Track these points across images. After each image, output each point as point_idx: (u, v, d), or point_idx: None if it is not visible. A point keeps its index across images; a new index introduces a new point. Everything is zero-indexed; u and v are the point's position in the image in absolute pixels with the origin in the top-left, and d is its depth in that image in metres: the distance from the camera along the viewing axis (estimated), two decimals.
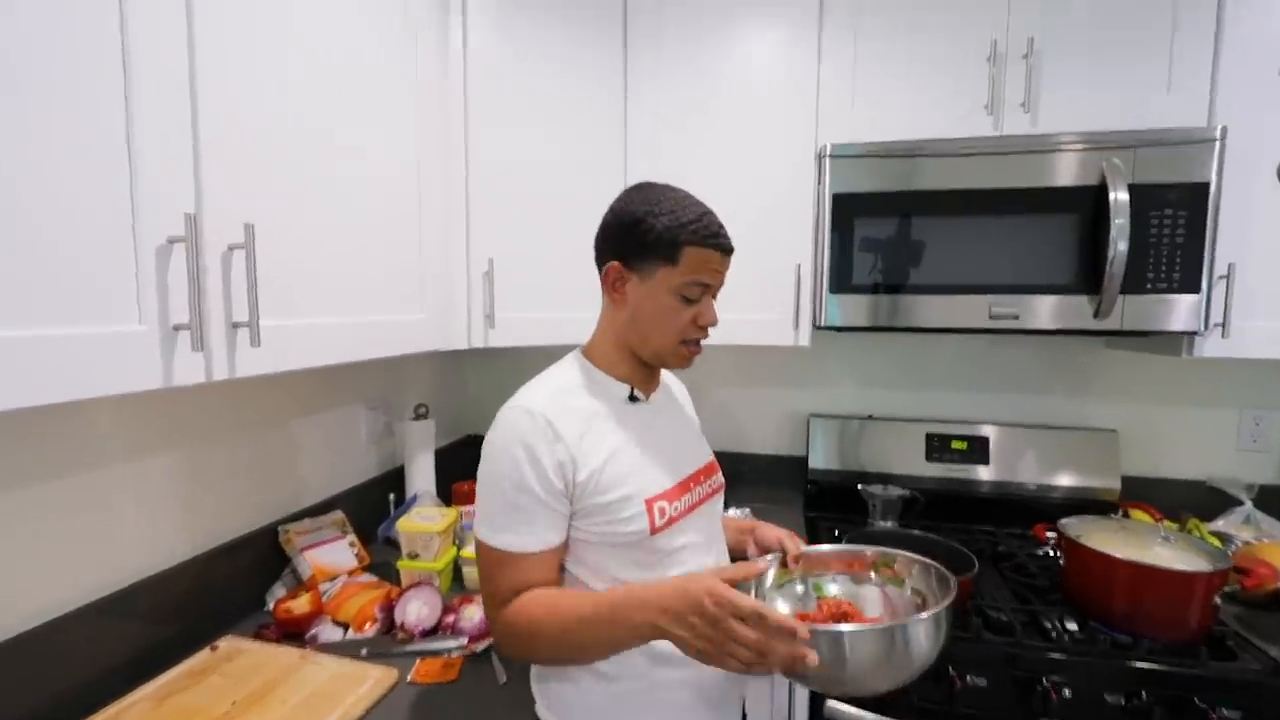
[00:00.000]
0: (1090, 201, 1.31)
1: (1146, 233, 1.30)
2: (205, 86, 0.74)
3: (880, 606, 0.91)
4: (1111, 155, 1.30)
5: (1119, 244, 1.25)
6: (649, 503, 0.83)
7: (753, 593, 0.88)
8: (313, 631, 1.14)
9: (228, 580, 1.18)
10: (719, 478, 1.01)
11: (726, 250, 0.86)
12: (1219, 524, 1.54)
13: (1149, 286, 1.31)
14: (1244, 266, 1.31)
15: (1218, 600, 1.09)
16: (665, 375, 1.04)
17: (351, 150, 1.02)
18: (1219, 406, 1.68)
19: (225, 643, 1.08)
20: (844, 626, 0.73)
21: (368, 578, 1.32)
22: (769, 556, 0.95)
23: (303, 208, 0.92)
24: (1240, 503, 1.57)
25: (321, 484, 1.45)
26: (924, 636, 0.74)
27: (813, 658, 0.65)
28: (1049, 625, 1.16)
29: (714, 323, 0.88)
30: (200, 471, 1.16)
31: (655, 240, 0.82)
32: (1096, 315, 1.32)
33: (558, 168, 1.50)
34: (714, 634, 0.66)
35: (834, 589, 0.95)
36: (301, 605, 1.14)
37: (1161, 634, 1.11)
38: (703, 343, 0.91)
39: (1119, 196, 1.26)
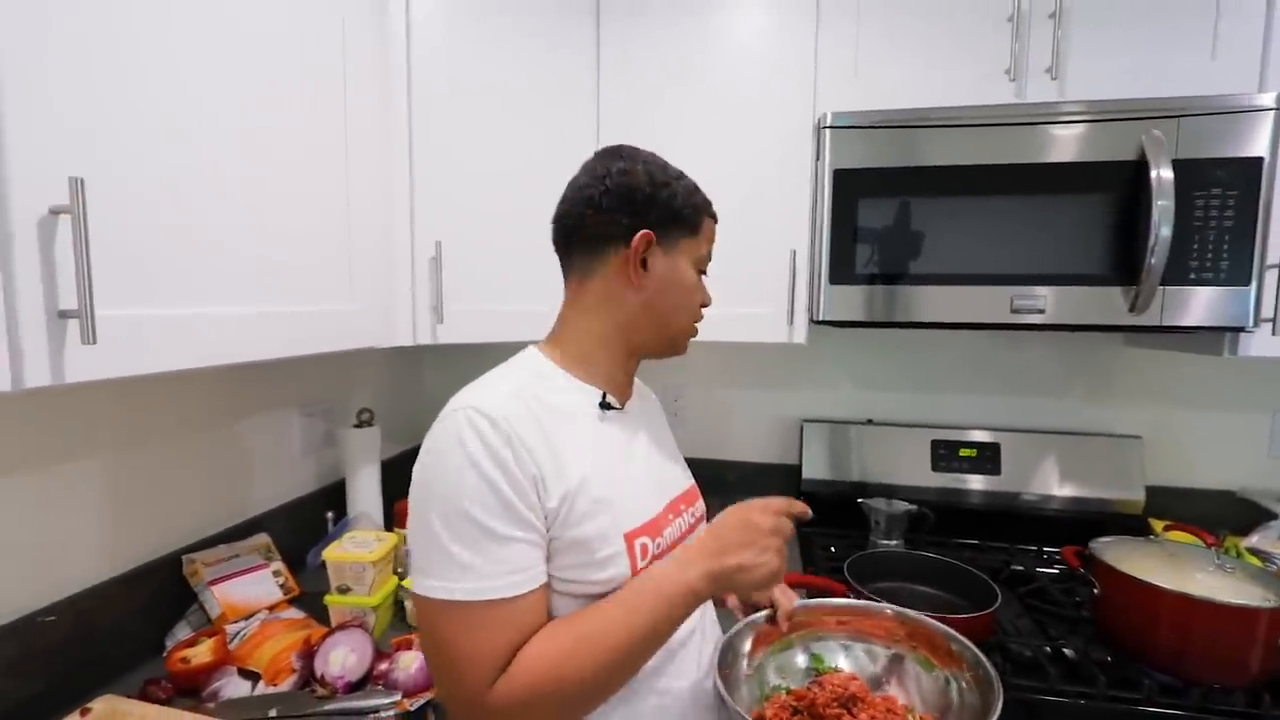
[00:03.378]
0: (1126, 179, 1.15)
1: (1191, 215, 1.13)
2: None
3: (895, 686, 0.74)
4: (1151, 126, 1.14)
5: (1162, 228, 1.09)
6: (629, 538, 0.66)
7: (743, 663, 0.72)
8: (215, 685, 0.94)
9: (117, 622, 0.98)
10: (701, 505, 0.84)
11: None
12: (1253, 540, 1.39)
13: (1192, 277, 1.15)
14: None
15: None
16: (639, 382, 0.87)
17: (236, 105, 0.81)
18: (1248, 410, 1.53)
19: (101, 703, 0.88)
20: None
21: (294, 613, 1.13)
22: (758, 615, 0.78)
23: (162, 164, 0.70)
24: (1274, 515, 1.44)
25: (244, 502, 1.24)
26: None
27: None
28: (1084, 666, 1.01)
29: (710, 301, 0.82)
30: (85, 491, 0.96)
31: (681, 207, 0.73)
32: (1133, 309, 1.16)
33: (518, 142, 1.30)
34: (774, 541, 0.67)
35: (841, 660, 0.77)
36: (201, 654, 0.95)
37: (1216, 678, 0.96)
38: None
39: (1162, 174, 1.09)
